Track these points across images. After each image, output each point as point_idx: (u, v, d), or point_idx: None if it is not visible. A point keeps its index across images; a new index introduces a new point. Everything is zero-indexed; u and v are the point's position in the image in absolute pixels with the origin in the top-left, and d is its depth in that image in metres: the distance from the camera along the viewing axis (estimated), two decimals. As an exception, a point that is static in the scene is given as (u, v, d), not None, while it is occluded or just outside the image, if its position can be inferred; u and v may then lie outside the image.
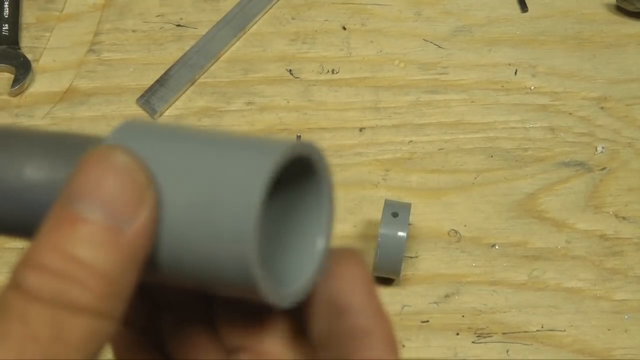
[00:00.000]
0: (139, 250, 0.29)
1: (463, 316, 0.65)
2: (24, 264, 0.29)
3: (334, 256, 0.33)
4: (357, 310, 0.32)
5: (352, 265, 0.33)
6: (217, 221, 0.29)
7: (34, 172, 0.32)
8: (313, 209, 0.33)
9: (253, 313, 0.33)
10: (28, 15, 0.75)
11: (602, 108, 0.73)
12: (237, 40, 0.75)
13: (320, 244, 0.32)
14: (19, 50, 0.73)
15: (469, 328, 0.65)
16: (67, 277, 0.28)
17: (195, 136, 0.32)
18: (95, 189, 0.29)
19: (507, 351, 0.64)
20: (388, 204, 0.64)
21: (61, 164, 0.32)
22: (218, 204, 0.29)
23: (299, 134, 0.61)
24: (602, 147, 0.71)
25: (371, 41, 0.75)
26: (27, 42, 0.74)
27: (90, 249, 0.28)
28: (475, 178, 0.70)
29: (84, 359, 0.28)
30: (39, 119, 0.71)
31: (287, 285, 0.32)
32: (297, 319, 0.34)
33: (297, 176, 0.33)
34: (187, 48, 0.74)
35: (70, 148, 0.32)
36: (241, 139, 0.32)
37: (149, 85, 0.72)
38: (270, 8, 0.76)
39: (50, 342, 0.28)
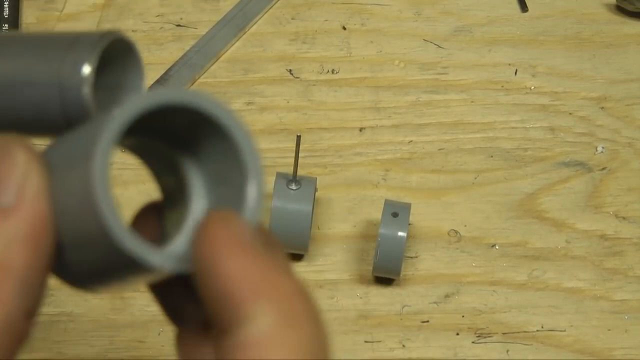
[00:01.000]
0: (40, 219, 0.30)
1: (463, 316, 0.65)
2: None
3: (201, 226, 0.32)
4: (220, 267, 0.31)
5: (215, 227, 0.32)
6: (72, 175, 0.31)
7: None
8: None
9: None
10: (28, 15, 0.75)
11: (602, 108, 0.73)
12: (237, 40, 0.75)
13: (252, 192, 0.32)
14: (19, 50, 0.73)
15: (469, 328, 0.65)
16: None
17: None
18: None
19: (507, 351, 0.64)
20: (388, 204, 0.64)
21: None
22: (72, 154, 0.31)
23: (299, 134, 0.61)
24: (602, 147, 0.71)
25: (371, 41, 0.75)
26: (27, 42, 0.74)
27: None
28: (475, 178, 0.70)
29: None
30: (39, 119, 0.71)
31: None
32: None
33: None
34: (187, 48, 0.74)
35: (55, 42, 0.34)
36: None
37: (149, 86, 0.72)
38: (270, 8, 0.76)
39: None
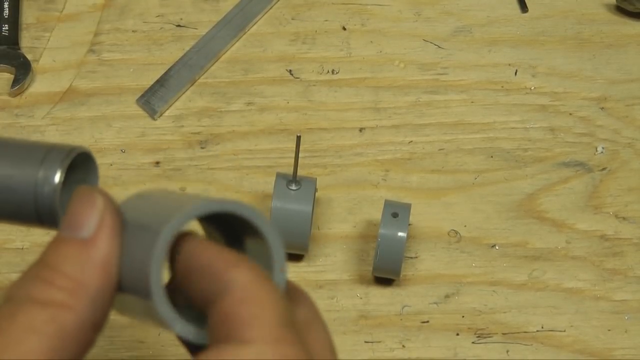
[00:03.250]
0: (109, 257, 0.37)
1: (463, 316, 0.65)
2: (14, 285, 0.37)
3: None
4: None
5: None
6: (139, 241, 0.38)
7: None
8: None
9: None
10: (28, 15, 0.75)
11: (602, 108, 0.73)
12: (237, 40, 0.75)
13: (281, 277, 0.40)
14: (19, 51, 0.73)
15: (469, 328, 0.65)
16: (40, 278, 0.36)
17: (163, 195, 0.42)
18: (74, 217, 0.38)
19: (507, 351, 0.64)
20: (388, 204, 0.64)
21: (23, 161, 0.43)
22: (145, 229, 0.39)
23: (299, 134, 0.61)
24: (602, 148, 0.71)
25: (371, 41, 0.75)
26: (27, 42, 0.74)
27: (73, 258, 0.37)
28: (475, 178, 0.70)
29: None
30: (39, 119, 0.71)
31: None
32: None
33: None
34: (187, 48, 0.74)
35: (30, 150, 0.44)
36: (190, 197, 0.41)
37: (149, 86, 0.72)
38: (270, 8, 0.76)
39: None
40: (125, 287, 0.39)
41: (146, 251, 0.37)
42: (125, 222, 0.39)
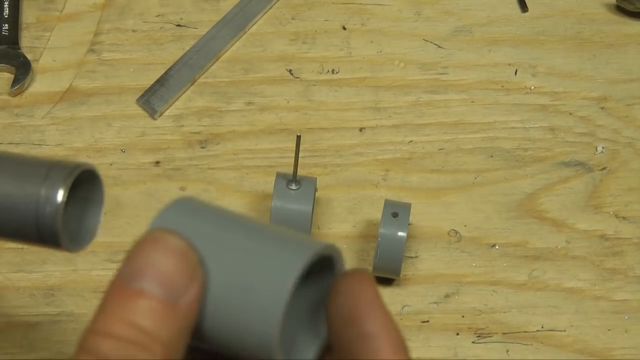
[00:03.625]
0: (190, 319, 0.35)
1: (463, 316, 0.65)
2: (94, 332, 0.35)
3: (345, 275, 0.37)
4: (364, 319, 0.36)
5: (360, 281, 0.37)
6: (250, 306, 0.35)
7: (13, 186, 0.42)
8: (323, 297, 0.38)
9: None
10: (28, 15, 0.75)
11: (602, 108, 0.73)
12: (237, 40, 0.75)
13: (323, 331, 0.38)
14: (19, 50, 0.73)
15: (469, 328, 0.65)
16: (135, 344, 0.34)
17: (238, 225, 0.38)
18: (154, 268, 0.35)
19: (507, 351, 0.64)
20: (388, 204, 0.64)
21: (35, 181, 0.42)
22: (254, 291, 0.35)
23: (299, 134, 0.61)
24: (602, 147, 0.71)
25: (371, 41, 0.75)
26: (27, 42, 0.74)
27: (152, 319, 0.34)
28: (475, 178, 0.70)
29: None
30: (39, 119, 0.71)
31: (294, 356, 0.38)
32: None
33: (319, 267, 0.38)
34: (187, 48, 0.74)
35: (31, 166, 0.42)
36: (277, 234, 0.37)
37: (149, 85, 0.72)
38: (270, 8, 0.76)
39: None
40: (218, 342, 0.36)
41: (261, 317, 0.35)
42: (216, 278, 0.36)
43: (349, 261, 0.67)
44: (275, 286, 0.35)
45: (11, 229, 0.42)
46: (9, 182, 0.42)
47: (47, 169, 0.42)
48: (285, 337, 0.37)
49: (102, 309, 0.35)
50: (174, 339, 0.35)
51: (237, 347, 0.36)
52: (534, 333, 0.65)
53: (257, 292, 0.35)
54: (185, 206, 0.39)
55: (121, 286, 0.35)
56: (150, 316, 0.34)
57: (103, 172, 0.69)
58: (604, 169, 0.70)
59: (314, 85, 0.73)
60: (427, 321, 0.65)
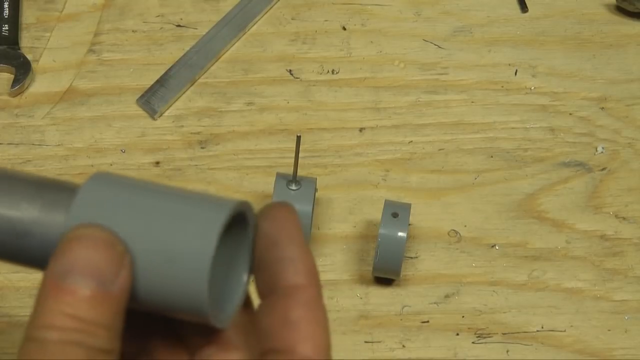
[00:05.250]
0: (124, 300, 0.38)
1: (463, 316, 0.65)
2: (38, 326, 0.36)
3: (273, 205, 0.41)
4: (286, 243, 0.40)
5: (284, 212, 0.41)
6: (178, 270, 0.38)
7: (25, 211, 0.40)
8: (240, 249, 0.41)
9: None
10: (28, 15, 0.75)
11: (602, 108, 0.73)
12: (237, 40, 0.75)
13: (244, 278, 0.41)
14: (19, 50, 0.73)
15: (469, 328, 0.65)
16: (80, 332, 0.36)
17: (156, 192, 0.40)
18: (84, 263, 0.37)
19: (507, 351, 0.64)
20: (388, 204, 0.64)
21: (49, 205, 0.40)
22: (180, 255, 0.38)
23: (299, 134, 0.61)
24: (602, 148, 0.71)
25: (371, 41, 0.75)
26: (27, 42, 0.74)
27: (91, 309, 0.37)
28: (475, 178, 0.70)
29: None
30: (39, 119, 0.71)
31: (223, 310, 0.40)
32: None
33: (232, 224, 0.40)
34: (187, 48, 0.74)
35: (53, 191, 0.40)
36: (194, 196, 0.40)
37: (149, 85, 0.72)
38: (270, 8, 0.76)
39: None
40: (148, 301, 0.38)
41: (190, 278, 0.37)
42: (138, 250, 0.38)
43: (349, 261, 0.67)
44: (199, 247, 0.37)
45: (25, 256, 0.40)
46: (31, 206, 0.40)
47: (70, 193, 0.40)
48: (212, 292, 0.39)
49: (41, 306, 0.37)
50: (114, 321, 0.37)
51: (170, 308, 0.39)
52: (534, 333, 0.65)
53: (183, 256, 0.38)
54: (105, 180, 0.40)
55: (55, 283, 0.37)
56: (88, 307, 0.37)
57: (103, 172, 0.69)
58: (604, 169, 0.70)
59: (314, 85, 0.73)
60: (427, 321, 0.65)
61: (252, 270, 0.41)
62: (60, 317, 0.36)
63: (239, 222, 0.40)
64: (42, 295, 0.37)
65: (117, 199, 0.39)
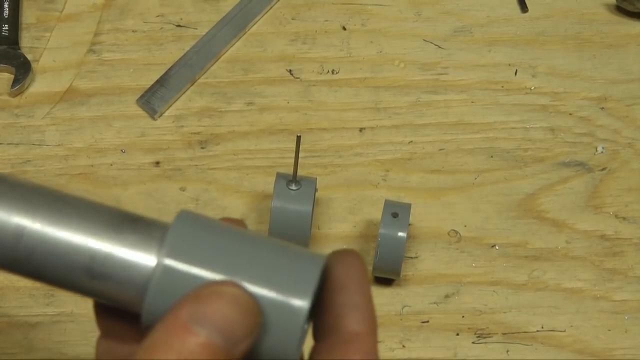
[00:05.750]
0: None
1: (463, 316, 0.65)
2: (155, 356, 0.36)
3: (344, 251, 0.41)
4: (353, 290, 0.40)
5: (354, 258, 0.41)
6: (273, 327, 0.38)
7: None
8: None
9: None
10: (28, 15, 0.75)
11: (602, 108, 0.73)
12: (237, 40, 0.75)
13: (306, 325, 0.39)
14: (19, 50, 0.73)
15: (469, 328, 0.65)
16: None
17: (246, 243, 0.39)
18: (220, 317, 0.36)
19: (507, 351, 0.64)
20: (388, 204, 0.64)
21: (132, 245, 0.38)
22: (275, 310, 0.37)
23: (299, 134, 0.61)
24: (602, 147, 0.71)
25: (371, 41, 0.75)
26: (27, 42, 0.74)
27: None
28: (475, 178, 0.70)
29: None
30: (39, 119, 0.71)
31: None
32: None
33: None
34: (187, 48, 0.74)
35: (136, 228, 0.38)
36: (286, 247, 0.39)
37: (149, 85, 0.72)
38: (270, 8, 0.76)
39: None
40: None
41: (285, 332, 0.37)
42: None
43: (349, 261, 0.67)
44: (296, 303, 0.37)
45: (102, 293, 0.38)
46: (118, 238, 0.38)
47: (162, 232, 0.38)
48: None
49: (163, 341, 0.36)
50: None
51: (260, 352, 0.38)
52: (534, 333, 0.65)
53: (280, 310, 0.37)
54: (192, 222, 0.38)
55: (184, 324, 0.36)
56: (204, 357, 0.36)
57: (103, 172, 0.69)
58: (604, 169, 0.70)
59: (314, 85, 0.73)
60: (427, 321, 0.65)
61: (315, 314, 0.40)
62: (178, 356, 0.36)
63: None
64: (168, 330, 0.36)
65: (210, 245, 0.38)
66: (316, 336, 0.41)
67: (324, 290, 0.40)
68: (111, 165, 0.70)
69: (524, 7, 0.77)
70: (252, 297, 0.37)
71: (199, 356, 0.36)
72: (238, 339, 0.37)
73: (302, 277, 0.38)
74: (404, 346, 0.64)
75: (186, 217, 0.38)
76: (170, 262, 0.37)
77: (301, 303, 0.37)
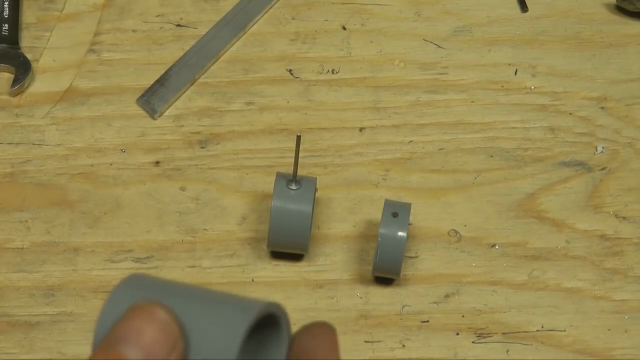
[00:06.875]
0: None
1: (463, 316, 0.65)
2: None
3: (315, 322, 0.41)
4: (319, 357, 0.40)
5: (325, 330, 0.41)
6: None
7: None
8: (274, 350, 0.41)
9: None
10: (28, 15, 0.75)
11: (602, 108, 0.73)
12: (237, 40, 0.75)
13: None
14: (19, 50, 0.73)
15: (469, 328, 0.65)
16: None
17: (188, 291, 0.40)
18: (138, 335, 0.37)
19: (507, 351, 0.64)
20: (388, 204, 0.64)
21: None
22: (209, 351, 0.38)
23: (299, 134, 0.61)
24: (602, 147, 0.71)
25: (371, 41, 0.75)
26: (27, 42, 0.74)
27: None
28: (475, 178, 0.70)
29: None
30: (39, 119, 0.71)
31: None
32: None
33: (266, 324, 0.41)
34: (187, 48, 0.74)
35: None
36: (224, 298, 0.40)
37: (149, 85, 0.72)
38: (270, 8, 0.76)
39: None
40: None
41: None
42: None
43: (349, 261, 0.67)
44: (226, 347, 0.37)
45: None
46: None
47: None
48: None
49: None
50: None
51: None
52: (534, 333, 0.65)
53: (213, 352, 0.38)
54: (139, 280, 0.40)
55: (105, 348, 0.37)
56: None
57: (103, 172, 0.69)
58: (604, 169, 0.70)
59: (314, 85, 0.73)
60: (427, 321, 0.65)
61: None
62: None
63: (273, 324, 0.41)
64: (96, 352, 0.37)
65: (155, 292, 0.39)
66: None
67: (293, 355, 0.40)
68: (111, 165, 0.70)
69: (524, 7, 0.77)
70: (169, 312, 0.38)
71: None
72: (159, 355, 0.37)
73: (234, 325, 0.38)
74: (404, 346, 0.64)
75: (133, 277, 0.40)
76: (115, 293, 0.39)
77: (229, 349, 0.37)
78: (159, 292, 0.39)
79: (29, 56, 0.73)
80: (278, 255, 0.67)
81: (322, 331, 0.41)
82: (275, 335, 0.41)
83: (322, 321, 0.41)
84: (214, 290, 0.40)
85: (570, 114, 0.72)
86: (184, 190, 0.69)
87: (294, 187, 0.64)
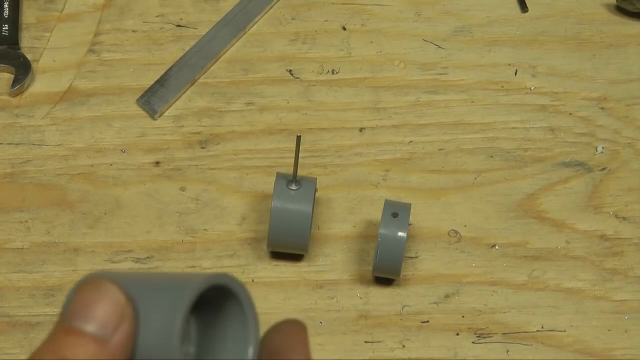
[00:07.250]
0: (122, 355, 0.38)
1: (463, 316, 0.65)
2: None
3: (284, 320, 0.42)
4: (288, 353, 0.40)
5: (293, 326, 0.41)
6: (152, 332, 0.39)
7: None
8: (240, 324, 0.41)
9: None
10: (28, 15, 0.75)
11: (602, 108, 0.73)
12: (237, 40, 0.75)
13: (250, 353, 0.41)
14: (19, 50, 0.73)
15: (469, 328, 0.65)
16: None
17: (141, 275, 0.42)
18: (89, 309, 0.38)
19: (507, 351, 0.64)
20: (388, 204, 0.64)
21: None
22: (152, 322, 0.39)
23: (299, 134, 0.61)
24: (602, 147, 0.71)
25: (371, 41, 0.75)
26: (27, 42, 0.74)
27: (85, 355, 0.38)
28: (475, 178, 0.70)
29: None
30: (39, 119, 0.71)
31: None
32: None
33: (223, 297, 0.41)
34: (187, 48, 0.74)
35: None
36: (174, 278, 0.41)
37: (149, 85, 0.72)
38: (270, 8, 0.76)
39: None
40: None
41: (164, 339, 0.38)
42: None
43: (349, 261, 0.67)
44: (168, 320, 0.39)
45: None
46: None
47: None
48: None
49: (44, 343, 0.38)
50: None
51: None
52: (534, 333, 0.65)
53: (159, 327, 0.39)
54: (102, 273, 0.42)
55: (62, 323, 0.39)
56: (83, 352, 0.38)
57: (103, 172, 0.69)
58: (604, 169, 0.70)
59: (313, 85, 0.73)
60: (427, 321, 0.65)
61: (257, 343, 0.41)
62: (53, 357, 0.38)
63: (231, 297, 0.41)
64: (49, 335, 0.39)
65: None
66: None
67: (263, 355, 0.41)
68: (111, 165, 0.70)
69: (524, 7, 0.77)
70: (116, 284, 0.39)
71: (78, 351, 0.37)
72: (110, 326, 0.38)
73: (185, 285, 0.39)
74: (404, 346, 0.64)
75: (95, 274, 0.42)
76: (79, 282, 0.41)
77: (173, 324, 0.38)
78: (115, 277, 0.41)
79: (29, 56, 0.73)
80: (278, 255, 0.67)
81: (293, 329, 0.41)
82: (239, 308, 0.41)
83: (293, 319, 0.42)
84: (168, 272, 0.42)
85: (570, 114, 0.72)
86: (184, 191, 0.69)
87: (294, 187, 0.64)
